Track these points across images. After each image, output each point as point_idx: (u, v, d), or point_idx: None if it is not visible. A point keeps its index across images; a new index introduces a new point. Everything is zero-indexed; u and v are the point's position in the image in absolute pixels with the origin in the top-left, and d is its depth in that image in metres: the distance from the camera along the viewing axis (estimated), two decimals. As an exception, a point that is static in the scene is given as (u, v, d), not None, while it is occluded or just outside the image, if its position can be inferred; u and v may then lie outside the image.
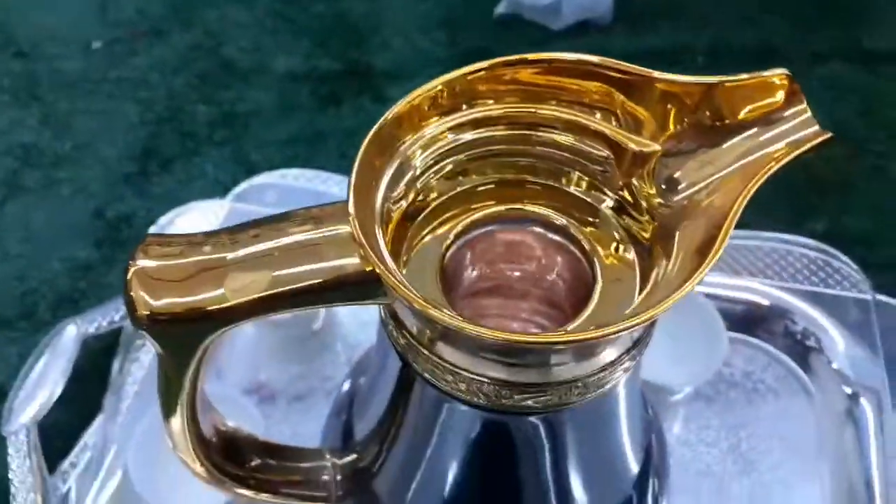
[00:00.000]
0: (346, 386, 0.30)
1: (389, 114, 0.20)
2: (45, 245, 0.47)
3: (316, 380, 0.42)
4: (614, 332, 0.17)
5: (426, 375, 0.20)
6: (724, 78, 0.20)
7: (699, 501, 0.39)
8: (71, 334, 0.39)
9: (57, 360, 0.39)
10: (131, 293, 0.18)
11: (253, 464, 0.26)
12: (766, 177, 0.19)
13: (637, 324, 0.17)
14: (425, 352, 0.19)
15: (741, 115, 0.20)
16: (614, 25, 0.59)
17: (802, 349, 0.42)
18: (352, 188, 0.18)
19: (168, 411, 0.22)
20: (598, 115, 0.21)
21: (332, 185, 0.46)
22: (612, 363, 0.19)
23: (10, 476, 0.36)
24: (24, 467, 0.36)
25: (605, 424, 0.23)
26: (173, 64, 0.56)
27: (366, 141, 0.19)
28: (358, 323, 0.44)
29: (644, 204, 0.21)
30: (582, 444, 0.23)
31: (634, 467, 0.26)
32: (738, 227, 0.55)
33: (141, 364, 0.41)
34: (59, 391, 0.38)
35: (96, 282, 0.46)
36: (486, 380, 0.19)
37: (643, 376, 0.38)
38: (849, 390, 0.40)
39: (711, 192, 0.20)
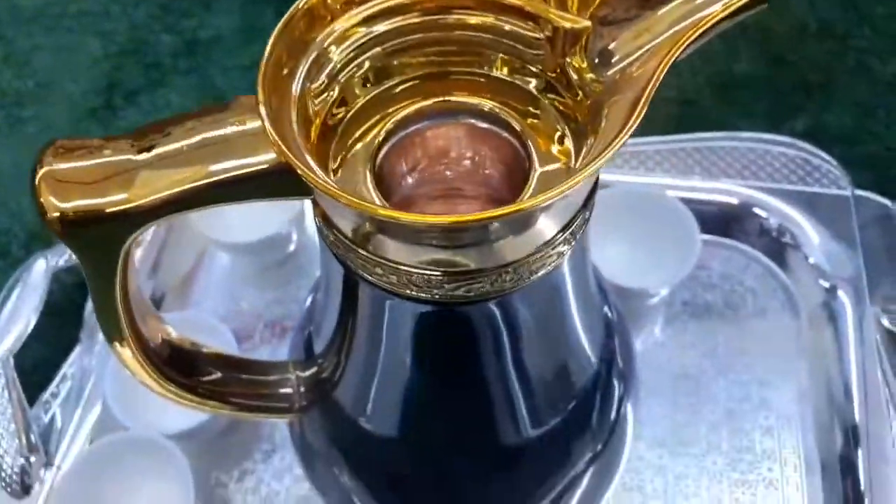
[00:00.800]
0: (309, 300, 0.30)
1: (299, 3, 0.19)
2: (13, 184, 0.47)
3: (292, 303, 0.42)
4: (515, 211, 0.16)
5: (359, 272, 0.20)
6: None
7: (677, 403, 0.39)
8: (41, 268, 0.39)
9: (29, 294, 0.39)
10: (41, 198, 0.18)
11: (213, 377, 0.26)
12: (693, 39, 0.18)
13: (540, 201, 0.16)
14: (353, 246, 0.19)
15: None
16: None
17: (779, 246, 0.41)
18: (261, 76, 0.18)
19: (108, 330, 0.21)
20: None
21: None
22: (544, 245, 0.19)
23: (-10, 409, 0.37)
24: (4, 399, 0.36)
25: (550, 315, 0.22)
26: (134, -6, 0.55)
27: (275, 32, 0.18)
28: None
29: (576, 79, 0.20)
30: (529, 335, 0.22)
31: (591, 366, 0.26)
32: (716, 129, 0.53)
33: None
34: (32, 323, 0.38)
35: (67, 218, 0.46)
36: (413, 269, 0.18)
37: (617, 282, 0.38)
38: (826, 284, 0.40)
39: (644, 63, 0.19)
